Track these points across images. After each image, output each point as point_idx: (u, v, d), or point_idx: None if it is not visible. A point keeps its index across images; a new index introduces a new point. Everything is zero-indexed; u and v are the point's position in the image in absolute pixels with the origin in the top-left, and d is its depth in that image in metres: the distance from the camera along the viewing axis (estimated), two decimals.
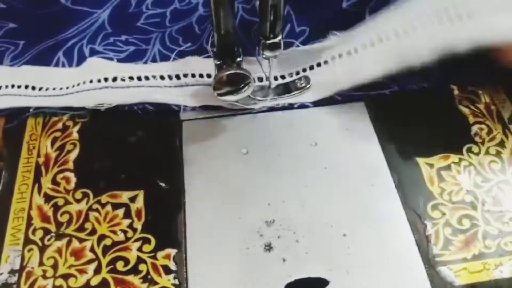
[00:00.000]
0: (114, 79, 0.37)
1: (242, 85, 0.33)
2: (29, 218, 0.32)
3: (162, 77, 0.37)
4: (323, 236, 0.31)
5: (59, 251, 0.30)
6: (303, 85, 0.37)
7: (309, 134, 0.36)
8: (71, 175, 0.34)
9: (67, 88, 0.37)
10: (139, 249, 0.30)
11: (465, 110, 0.37)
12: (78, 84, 0.37)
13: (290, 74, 0.38)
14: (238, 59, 0.33)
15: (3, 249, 0.31)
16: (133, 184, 0.33)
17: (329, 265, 0.30)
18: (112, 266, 0.30)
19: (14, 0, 0.41)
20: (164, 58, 0.38)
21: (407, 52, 0.34)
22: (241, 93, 0.33)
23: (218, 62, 0.33)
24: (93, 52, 0.39)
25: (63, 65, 0.38)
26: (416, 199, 0.32)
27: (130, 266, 0.30)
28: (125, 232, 0.31)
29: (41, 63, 0.38)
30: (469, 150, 0.35)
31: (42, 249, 0.31)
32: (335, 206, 0.32)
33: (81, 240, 0.31)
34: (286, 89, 0.37)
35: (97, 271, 0.30)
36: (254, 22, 0.39)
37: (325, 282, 0.29)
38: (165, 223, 0.32)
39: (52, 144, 0.36)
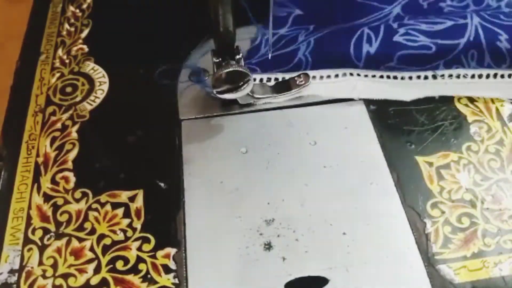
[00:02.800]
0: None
1: (242, 82, 0.33)
2: (29, 217, 0.32)
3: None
4: (323, 234, 0.31)
5: (58, 250, 0.30)
6: (302, 82, 0.37)
7: (308, 133, 0.36)
8: (70, 175, 0.34)
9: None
10: (139, 249, 0.30)
11: (464, 109, 0.37)
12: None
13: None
14: (237, 56, 0.33)
15: (3, 248, 0.31)
16: (133, 183, 0.33)
17: (328, 263, 0.30)
18: (111, 266, 0.30)
19: None
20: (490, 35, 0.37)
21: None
22: (240, 91, 0.33)
23: (217, 60, 0.33)
24: (401, 25, 0.39)
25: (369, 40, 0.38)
26: (415, 197, 0.32)
27: (130, 265, 0.30)
28: (124, 231, 0.31)
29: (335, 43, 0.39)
30: (469, 149, 0.35)
31: (42, 248, 0.31)
32: (334, 205, 0.32)
33: (80, 240, 0.31)
34: (285, 86, 0.37)
35: (97, 270, 0.30)
36: None
37: (325, 280, 0.29)
38: (165, 222, 0.32)
39: (51, 143, 0.36)
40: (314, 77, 0.37)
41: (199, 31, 0.36)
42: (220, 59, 0.33)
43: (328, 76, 0.38)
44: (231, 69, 0.32)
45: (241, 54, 0.33)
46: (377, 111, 0.37)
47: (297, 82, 0.37)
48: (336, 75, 0.38)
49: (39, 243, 0.31)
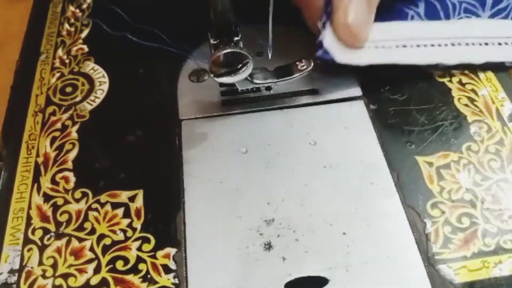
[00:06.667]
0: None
1: (240, 65, 0.31)
2: (29, 217, 0.32)
3: None
4: (323, 234, 0.31)
5: (58, 250, 0.30)
6: (304, 67, 0.36)
7: (308, 133, 0.36)
8: (70, 175, 0.34)
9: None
10: (139, 249, 0.30)
11: (464, 109, 0.37)
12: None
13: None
14: (236, 38, 0.31)
15: (3, 248, 0.31)
16: (132, 183, 0.33)
17: (328, 263, 0.30)
18: (111, 266, 0.30)
19: None
20: None
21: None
22: (239, 74, 0.32)
23: (215, 41, 0.31)
24: None
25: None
26: (415, 197, 0.32)
27: (129, 265, 0.30)
28: (124, 231, 0.31)
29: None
30: (469, 149, 0.35)
31: (42, 248, 0.31)
32: (334, 205, 0.32)
33: (80, 240, 0.31)
34: (287, 71, 0.36)
35: (97, 270, 0.30)
36: None
37: (324, 280, 0.29)
38: (165, 222, 0.32)
39: (51, 143, 0.36)
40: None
41: (200, 31, 0.36)
42: (218, 40, 0.31)
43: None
44: (229, 50, 0.30)
45: (240, 36, 0.31)
46: (377, 111, 0.37)
47: (299, 67, 0.36)
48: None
49: (39, 243, 0.31)
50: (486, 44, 0.39)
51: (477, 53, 0.38)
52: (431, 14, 0.39)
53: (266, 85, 0.37)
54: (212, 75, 0.32)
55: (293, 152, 0.35)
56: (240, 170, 0.34)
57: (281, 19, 0.35)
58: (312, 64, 0.36)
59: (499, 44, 0.39)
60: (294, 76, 0.36)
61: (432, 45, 0.37)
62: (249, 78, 0.34)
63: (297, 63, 0.36)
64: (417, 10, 0.39)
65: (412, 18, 0.39)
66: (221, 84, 0.38)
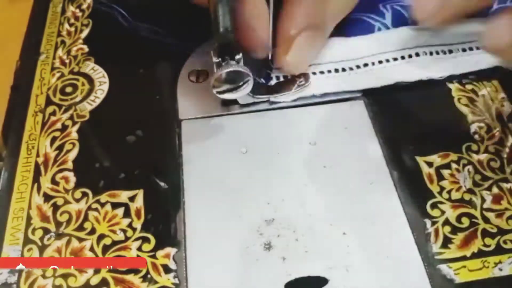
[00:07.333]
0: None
1: (242, 82, 0.33)
2: (29, 217, 0.32)
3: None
4: (323, 234, 0.31)
5: (58, 250, 0.30)
6: (303, 82, 0.37)
7: (308, 133, 0.36)
8: (71, 175, 0.34)
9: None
10: (139, 249, 0.30)
11: (464, 109, 0.37)
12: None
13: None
14: (237, 56, 0.33)
15: (3, 248, 0.31)
16: (132, 183, 0.33)
17: (328, 263, 0.30)
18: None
19: None
20: None
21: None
22: (240, 91, 0.33)
23: (217, 60, 0.32)
24: None
25: None
26: (415, 197, 0.32)
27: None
28: (124, 231, 0.31)
29: None
30: (468, 149, 0.35)
31: (42, 248, 0.31)
32: (334, 205, 0.32)
33: (80, 240, 0.31)
34: (286, 86, 0.37)
35: (97, 270, 0.30)
36: None
37: (324, 280, 0.29)
38: (165, 222, 0.32)
39: (51, 143, 0.36)
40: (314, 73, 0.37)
41: (201, 32, 0.36)
42: (220, 59, 0.32)
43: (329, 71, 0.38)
44: (231, 69, 0.32)
45: (241, 54, 0.33)
46: (377, 111, 0.37)
47: (298, 82, 0.37)
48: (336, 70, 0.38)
49: (39, 243, 0.31)
50: (451, 52, 0.38)
51: (438, 65, 0.38)
52: (398, 24, 0.39)
53: (266, 99, 0.37)
54: (214, 92, 0.33)
55: (293, 152, 0.35)
56: (240, 170, 0.34)
57: None
58: (310, 80, 0.37)
59: (464, 50, 0.39)
60: (293, 90, 0.37)
61: (388, 60, 0.38)
62: (249, 93, 0.35)
63: (296, 78, 0.37)
64: (384, 22, 0.39)
65: (379, 30, 0.39)
66: None
